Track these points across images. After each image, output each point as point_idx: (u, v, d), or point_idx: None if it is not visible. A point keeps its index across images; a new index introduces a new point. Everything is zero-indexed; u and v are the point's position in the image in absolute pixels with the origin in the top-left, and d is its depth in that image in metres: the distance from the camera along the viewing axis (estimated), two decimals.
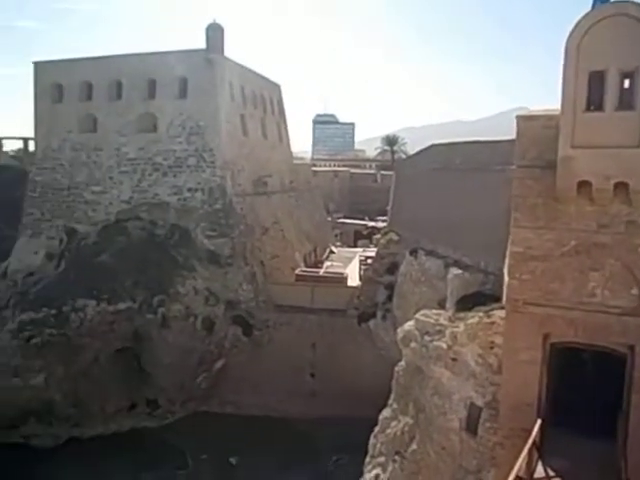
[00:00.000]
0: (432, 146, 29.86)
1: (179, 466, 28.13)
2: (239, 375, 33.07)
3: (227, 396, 33.07)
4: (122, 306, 32.14)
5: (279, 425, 30.97)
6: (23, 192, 43.39)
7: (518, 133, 12.82)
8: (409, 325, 18.27)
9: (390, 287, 30.92)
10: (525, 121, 12.80)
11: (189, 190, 37.07)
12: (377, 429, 19.49)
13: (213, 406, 32.97)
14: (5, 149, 63.65)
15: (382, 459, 18.84)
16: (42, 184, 41.26)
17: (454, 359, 15.73)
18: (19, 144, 65.59)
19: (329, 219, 61.39)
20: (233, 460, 28.55)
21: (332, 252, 51.70)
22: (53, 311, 31.41)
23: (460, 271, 21.73)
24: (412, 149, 68.67)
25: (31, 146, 54.04)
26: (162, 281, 33.44)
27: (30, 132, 45.67)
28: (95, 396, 31.45)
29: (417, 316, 18.11)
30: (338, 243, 57.94)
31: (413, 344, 17.67)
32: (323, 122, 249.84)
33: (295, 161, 57.19)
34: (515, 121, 12.91)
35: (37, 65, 42.48)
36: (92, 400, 31.38)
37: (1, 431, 29.39)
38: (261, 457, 28.21)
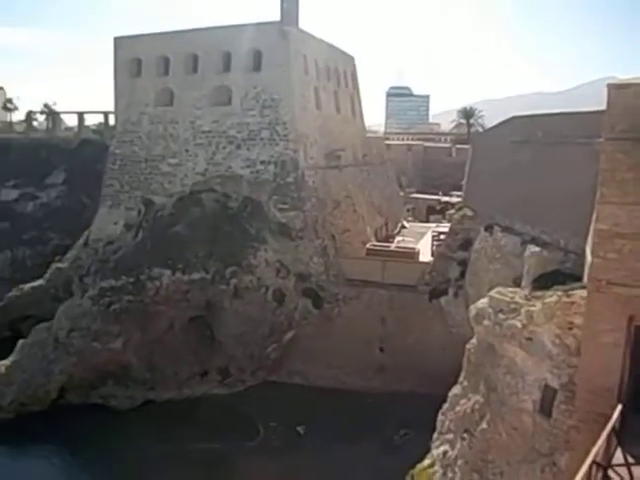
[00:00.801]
0: (512, 118, 28.64)
1: (248, 433, 28.73)
2: (308, 347, 33.35)
3: (296, 367, 33.47)
4: (196, 276, 32.91)
5: (346, 397, 31.07)
6: (104, 165, 45.09)
7: (608, 103, 11.88)
8: (482, 302, 17.72)
9: (463, 264, 30.19)
10: (617, 89, 11.83)
11: (262, 163, 37.33)
12: (446, 406, 19.20)
13: (282, 376, 33.46)
14: (87, 123, 66.23)
15: (450, 436, 18.57)
16: (121, 157, 42.63)
17: (529, 339, 15.13)
18: (100, 118, 68.05)
19: (401, 193, 60.58)
20: (301, 429, 28.91)
21: (404, 227, 51.05)
22: (131, 279, 32.54)
23: (538, 249, 20.85)
24: (490, 122, 66.48)
25: (111, 120, 55.93)
26: (234, 253, 33.97)
27: (110, 106, 47.22)
28: (169, 362, 32.53)
29: (491, 293, 17.52)
30: (410, 218, 57.16)
31: (486, 322, 17.14)
32: (397, 95, 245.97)
33: (368, 134, 56.56)
34: (605, 90, 11.99)
35: (117, 40, 43.62)
36: (166, 366, 32.48)
37: (82, 392, 31.01)
38: (328, 428, 28.42)
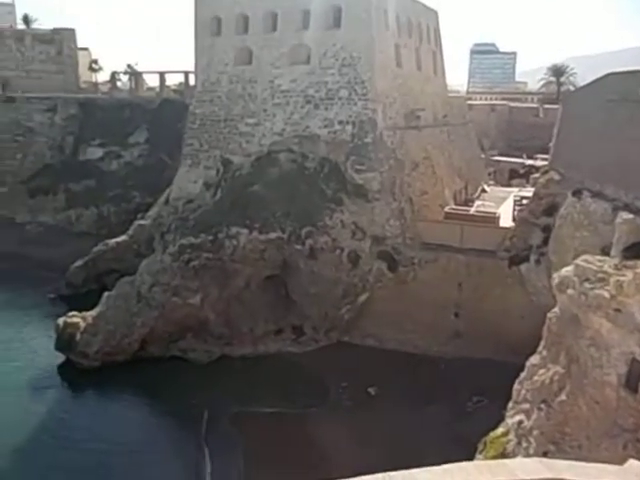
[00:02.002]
0: (608, 75, 26.66)
1: (319, 392, 29.06)
2: (382, 310, 33.15)
3: (369, 329, 33.41)
4: (272, 235, 33.21)
5: (419, 362, 30.88)
6: (184, 124, 45.83)
7: None
8: (567, 270, 16.81)
9: (547, 230, 28.83)
10: None
11: (340, 123, 36.75)
12: (523, 375, 18.58)
13: (355, 337, 33.53)
14: (168, 83, 67.48)
15: (526, 406, 18.00)
16: (201, 116, 43.09)
17: (617, 310, 14.26)
18: (180, 78, 69.12)
19: (483, 156, 58.48)
20: (372, 390, 28.97)
21: (484, 191, 49.39)
22: (210, 237, 33.23)
23: (631, 215, 19.49)
24: (582, 80, 62.65)
25: (191, 80, 56.65)
26: (311, 213, 33.98)
27: (191, 66, 47.70)
28: (245, 319, 33.26)
29: (577, 261, 16.58)
30: (491, 182, 55.20)
31: (570, 291, 16.28)
32: (481, 52, 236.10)
33: (450, 94, 54.66)
34: None
35: None
36: (242, 322, 33.23)
37: (162, 344, 32.26)
38: (399, 391, 28.35)
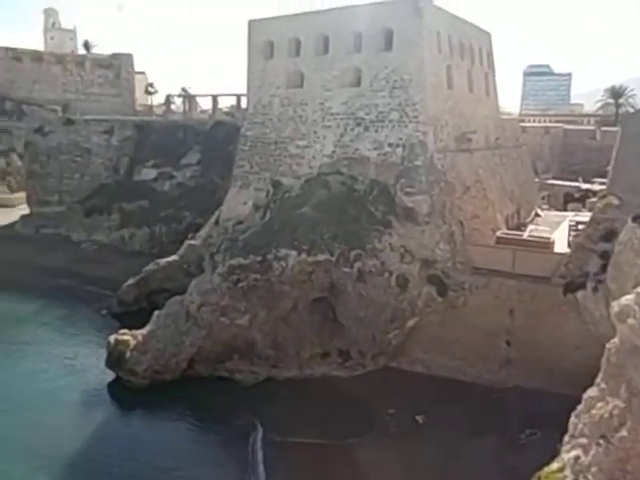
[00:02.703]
0: None
1: (366, 418, 28.53)
2: (431, 335, 32.48)
3: (417, 354, 32.75)
4: (320, 258, 33.06)
5: (469, 389, 30.02)
6: (235, 146, 46.50)
7: None
8: (627, 299, 16.01)
9: (605, 256, 27.78)
10: None
11: (390, 145, 36.55)
12: (580, 408, 17.72)
13: (403, 363, 32.91)
14: (220, 105, 68.89)
15: (584, 440, 17.10)
16: (252, 138, 43.62)
17: None
18: (232, 100, 70.47)
19: (536, 179, 57.19)
20: (420, 418, 28.23)
21: (538, 215, 48.18)
22: (258, 258, 33.31)
23: None
24: None
25: (243, 102, 57.60)
26: (359, 236, 33.74)
27: (243, 89, 48.48)
28: (292, 341, 33.07)
29: (638, 290, 15.82)
30: (545, 206, 53.84)
31: (631, 320, 15.48)
32: (535, 74, 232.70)
33: (502, 116, 53.84)
34: None
35: (251, 23, 44.43)
36: (289, 344, 33.04)
37: (210, 364, 32.35)
38: (448, 420, 27.54)
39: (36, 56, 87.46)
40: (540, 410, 26.56)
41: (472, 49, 43.31)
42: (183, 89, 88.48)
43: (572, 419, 17.84)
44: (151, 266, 42.67)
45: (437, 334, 32.24)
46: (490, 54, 47.26)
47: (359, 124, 38.21)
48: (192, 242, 43.02)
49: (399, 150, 36.11)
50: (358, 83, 38.79)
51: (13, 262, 52.29)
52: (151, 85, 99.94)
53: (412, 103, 36.21)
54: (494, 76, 47.91)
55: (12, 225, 63.72)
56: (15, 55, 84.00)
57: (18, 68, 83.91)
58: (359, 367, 32.81)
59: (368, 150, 37.30)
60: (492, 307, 31.36)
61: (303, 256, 33.07)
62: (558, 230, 40.40)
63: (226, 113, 73.02)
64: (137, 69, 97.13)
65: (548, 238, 35.64)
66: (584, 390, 17.93)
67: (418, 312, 32.67)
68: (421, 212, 34.15)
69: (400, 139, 36.26)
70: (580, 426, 17.46)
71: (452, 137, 38.43)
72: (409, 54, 36.49)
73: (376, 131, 37.37)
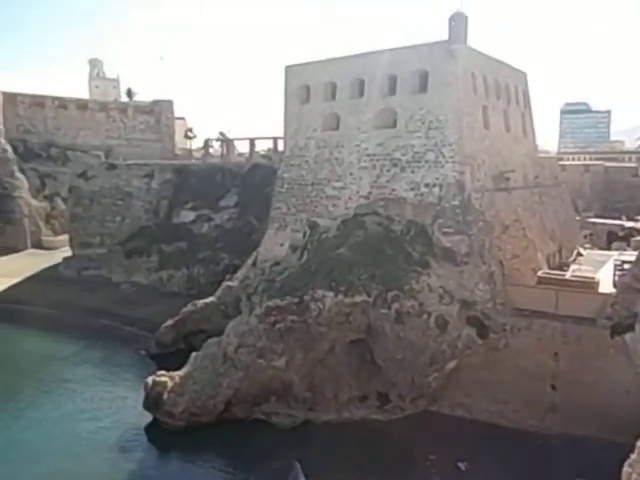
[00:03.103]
0: None
1: (406, 464, 27.73)
2: (472, 378, 31.68)
3: (458, 398, 31.91)
4: (358, 299, 32.78)
5: (513, 436, 29.00)
6: (272, 188, 47.08)
7: None
8: None
9: None
10: None
11: (426, 185, 36.51)
12: (633, 457, 16.93)
13: (443, 407, 32.08)
14: (257, 149, 70.13)
15: None
16: (289, 180, 44.13)
17: None
18: (269, 144, 71.70)
19: (577, 218, 56.20)
20: (462, 465, 27.30)
21: (580, 254, 47.12)
22: (295, 299, 33.19)
23: None
24: None
25: (280, 145, 58.50)
26: (397, 276, 33.41)
27: (279, 132, 49.33)
28: (329, 383, 32.62)
29: None
30: (587, 245, 52.71)
31: None
32: (573, 112, 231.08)
33: (540, 154, 53.38)
34: None
35: (288, 69, 45.49)
36: (326, 387, 32.59)
37: (246, 407, 32.06)
38: (492, 467, 26.56)
39: (81, 104, 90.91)
40: (589, 458, 25.53)
41: (508, 89, 43.35)
42: (221, 133, 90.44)
43: (625, 468, 17.00)
44: (189, 307, 42.95)
45: (478, 377, 31.43)
46: (526, 93, 47.22)
47: (395, 165, 38.35)
48: (229, 283, 43.26)
49: (436, 190, 36.01)
50: (394, 125, 39.08)
51: (56, 303, 53.56)
52: (190, 130, 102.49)
53: (448, 143, 36.25)
54: (531, 115, 47.75)
55: (55, 267, 65.24)
56: (61, 103, 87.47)
57: (64, 115, 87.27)
58: (398, 410, 32.09)
59: (405, 190, 37.32)
60: (535, 349, 30.52)
61: (340, 297, 32.85)
62: (602, 269, 39.42)
63: (263, 156, 74.22)
64: (177, 115, 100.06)
65: (592, 278, 34.74)
66: (636, 437, 17.13)
67: (458, 354, 31.96)
68: (459, 252, 33.77)
69: (437, 179, 36.21)
70: (634, 476, 16.61)
71: (489, 176, 38.20)
72: (444, 95, 36.69)
73: (412, 172, 37.42)
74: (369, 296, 32.85)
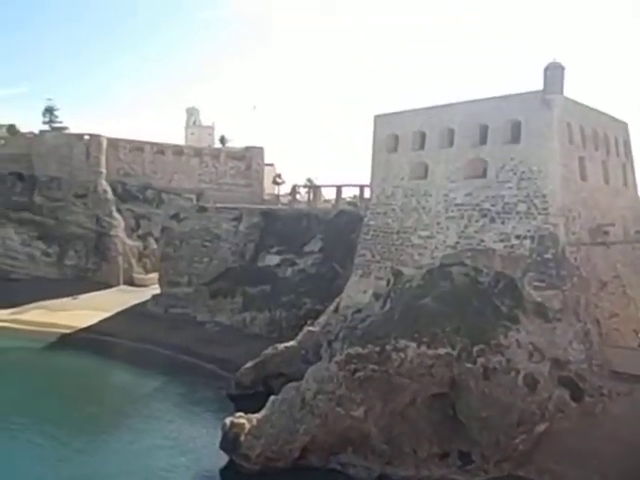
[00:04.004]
0: None
1: None
2: (563, 444, 29.59)
3: (546, 464, 29.78)
4: (441, 351, 31.72)
5: None
6: (357, 235, 47.07)
7: None
8: None
9: None
10: None
11: (517, 237, 35.31)
12: None
13: (530, 472, 29.97)
14: (343, 195, 70.78)
15: None
16: (374, 228, 43.99)
17: None
18: (355, 191, 72.21)
19: None
20: None
21: None
22: (377, 348, 32.52)
23: None
24: None
25: (366, 193, 58.72)
26: (483, 330, 32.14)
27: (365, 180, 49.66)
28: (409, 437, 31.41)
29: None
30: None
31: None
32: None
33: None
34: None
35: (377, 118, 45.96)
36: (405, 441, 31.39)
37: (322, 455, 31.43)
38: None
39: (177, 150, 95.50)
40: None
41: (607, 139, 41.72)
42: (308, 180, 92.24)
43: None
44: (270, 350, 43.07)
45: (570, 443, 29.34)
46: (628, 143, 45.25)
47: (484, 215, 37.44)
48: (311, 328, 43.18)
49: (527, 242, 34.75)
50: (483, 174, 38.38)
51: (143, 338, 55.46)
52: (279, 176, 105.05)
53: (541, 195, 35.11)
54: (633, 166, 45.62)
55: (144, 304, 67.69)
56: (159, 149, 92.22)
57: (161, 160, 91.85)
58: (481, 472, 30.32)
59: (494, 242, 36.24)
60: (636, 418, 28.24)
61: (423, 348, 31.90)
62: None
63: (349, 203, 74.84)
64: (267, 161, 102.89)
65: None
66: None
67: (549, 417, 30.04)
68: (552, 308, 32.19)
69: (528, 231, 34.99)
70: None
71: (586, 229, 36.55)
72: (538, 146, 35.77)
73: (502, 223, 36.38)
74: (453, 349, 31.71)
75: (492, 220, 36.99)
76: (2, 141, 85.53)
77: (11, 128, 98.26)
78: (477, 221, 37.77)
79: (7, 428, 36.65)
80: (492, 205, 37.28)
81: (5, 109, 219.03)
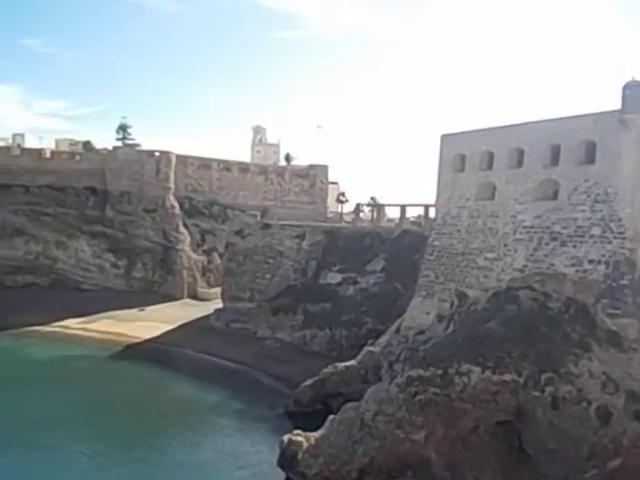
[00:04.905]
0: None
1: None
2: None
3: None
4: (507, 377, 30.63)
5: None
6: (421, 255, 46.38)
7: None
8: None
9: None
10: None
11: (590, 262, 33.79)
12: None
13: None
14: (407, 215, 70.17)
15: None
16: (439, 248, 43.19)
17: None
18: (420, 210, 71.45)
19: None
20: None
21: None
22: (439, 371, 31.76)
23: None
24: None
25: (431, 212, 57.95)
26: (552, 357, 30.82)
27: (430, 199, 48.96)
28: (471, 465, 30.39)
29: None
30: None
31: None
32: None
33: None
34: None
35: (443, 137, 45.32)
36: (467, 469, 30.37)
37: (381, 478, 30.73)
38: None
39: (243, 167, 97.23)
40: None
41: None
42: (372, 198, 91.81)
43: None
44: (329, 369, 42.78)
45: None
46: None
47: (555, 239, 36.06)
48: (371, 348, 42.63)
49: (601, 267, 33.21)
50: (554, 196, 37.06)
51: (204, 351, 56.15)
52: (343, 194, 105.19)
53: (617, 218, 33.56)
54: None
55: (207, 317, 68.76)
56: (226, 166, 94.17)
57: (227, 177, 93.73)
58: None
59: (565, 266, 34.80)
60: None
61: (487, 374, 30.89)
62: None
63: (413, 222, 74.07)
64: (331, 179, 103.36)
65: None
66: None
67: (623, 452, 28.31)
68: (627, 337, 30.56)
69: (603, 256, 33.44)
70: None
71: None
72: (614, 167, 34.28)
73: (574, 246, 34.93)
74: (520, 375, 30.56)
75: (563, 244, 35.59)
76: (78, 157, 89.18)
77: (87, 144, 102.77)
78: (547, 244, 36.41)
79: (70, 435, 37.78)
80: (563, 228, 35.89)
81: (85, 126, 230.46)
